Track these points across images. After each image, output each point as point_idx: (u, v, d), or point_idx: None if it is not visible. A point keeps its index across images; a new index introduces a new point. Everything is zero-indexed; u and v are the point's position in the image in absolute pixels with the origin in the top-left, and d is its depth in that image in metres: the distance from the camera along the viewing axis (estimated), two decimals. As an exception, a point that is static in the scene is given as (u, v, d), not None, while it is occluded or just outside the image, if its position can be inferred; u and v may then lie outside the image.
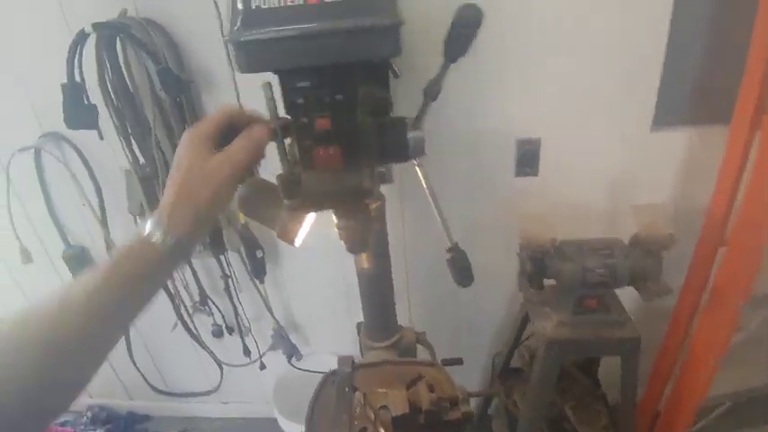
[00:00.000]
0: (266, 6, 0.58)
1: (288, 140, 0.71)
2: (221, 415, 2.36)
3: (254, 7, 0.59)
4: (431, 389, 1.14)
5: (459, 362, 1.51)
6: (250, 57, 0.61)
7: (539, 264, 1.29)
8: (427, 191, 0.83)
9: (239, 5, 0.59)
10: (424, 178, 0.83)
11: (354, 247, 0.83)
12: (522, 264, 1.38)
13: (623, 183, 1.54)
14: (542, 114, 1.42)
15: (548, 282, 1.37)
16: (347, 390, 1.21)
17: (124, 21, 1.31)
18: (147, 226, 0.54)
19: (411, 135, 0.76)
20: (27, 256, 1.68)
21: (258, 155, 0.62)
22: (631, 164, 1.50)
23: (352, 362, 1.28)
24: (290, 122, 0.67)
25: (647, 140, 1.46)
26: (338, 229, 0.83)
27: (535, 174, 1.52)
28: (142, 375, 2.02)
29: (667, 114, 1.42)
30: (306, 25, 0.58)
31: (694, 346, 1.52)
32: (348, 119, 0.63)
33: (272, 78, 0.71)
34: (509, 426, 1.77)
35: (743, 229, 1.28)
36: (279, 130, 0.69)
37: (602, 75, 1.36)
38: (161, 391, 2.13)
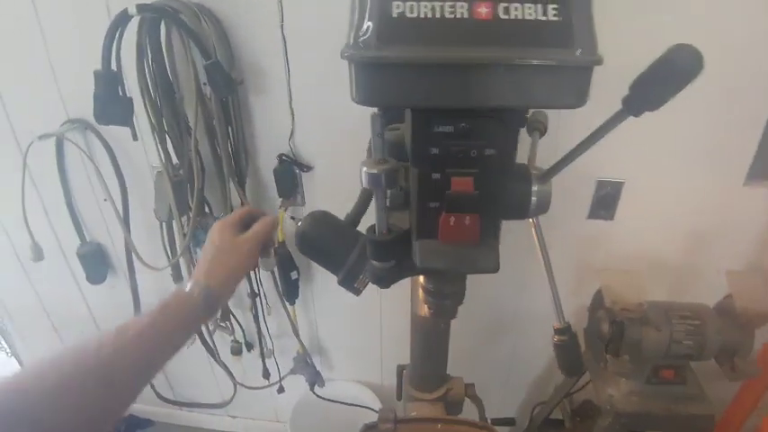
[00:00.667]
0: (413, 15, 0.40)
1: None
2: (227, 429, 2.21)
3: (395, 15, 0.41)
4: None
5: (511, 422, 1.35)
6: (379, 84, 0.43)
7: (619, 328, 1.12)
8: (541, 257, 0.67)
9: (371, 8, 0.42)
10: (539, 240, 0.67)
11: (447, 314, 0.67)
12: (595, 322, 1.22)
13: (705, 238, 1.37)
14: (629, 157, 1.26)
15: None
16: (389, 450, 1.06)
17: (173, 4, 1.16)
18: (187, 283, 0.67)
19: (536, 189, 0.60)
20: (38, 254, 1.53)
21: (270, 237, 0.80)
22: (716, 218, 1.34)
23: (395, 416, 1.13)
24: (403, 171, 0.51)
25: (737, 195, 1.30)
26: (429, 295, 0.67)
27: (610, 218, 1.35)
28: (150, 383, 1.87)
29: (764, 169, 1.26)
30: (470, 50, 0.41)
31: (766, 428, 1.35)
32: (495, 181, 0.47)
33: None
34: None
35: None
36: (384, 177, 0.53)
37: (701, 121, 1.20)
38: (167, 400, 1.99)
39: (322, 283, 1.62)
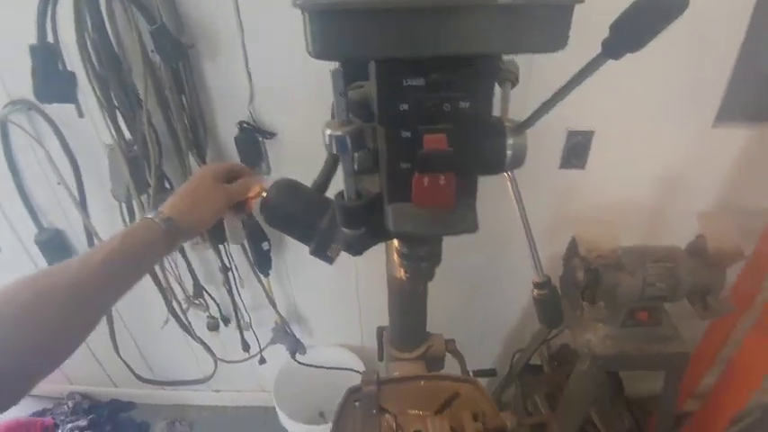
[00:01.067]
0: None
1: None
2: (213, 403, 2.21)
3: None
4: (474, 416, 1.00)
5: (492, 373, 1.37)
6: (338, 34, 0.39)
7: (595, 276, 1.13)
8: (518, 211, 0.65)
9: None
10: (515, 195, 0.65)
11: (424, 277, 0.65)
12: (570, 271, 1.23)
13: (676, 181, 1.39)
14: (599, 105, 1.24)
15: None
16: (374, 412, 1.06)
17: (109, -34, 1.07)
18: (152, 213, 0.69)
19: (511, 142, 0.58)
20: (-7, 245, 1.45)
21: (245, 198, 0.79)
22: (686, 161, 1.35)
23: (378, 377, 1.12)
24: (370, 131, 0.48)
25: (707, 137, 1.31)
26: (404, 259, 0.64)
27: (582, 167, 1.35)
28: (128, 366, 1.83)
29: (732, 110, 1.27)
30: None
31: (739, 359, 1.41)
32: (470, 136, 0.44)
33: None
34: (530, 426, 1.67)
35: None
36: (349, 139, 0.50)
37: (669, 66, 1.19)
38: (147, 380, 1.96)
39: (295, 252, 1.59)
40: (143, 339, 1.91)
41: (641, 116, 1.27)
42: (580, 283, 1.19)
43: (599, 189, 1.40)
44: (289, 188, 0.78)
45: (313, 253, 0.78)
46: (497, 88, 0.73)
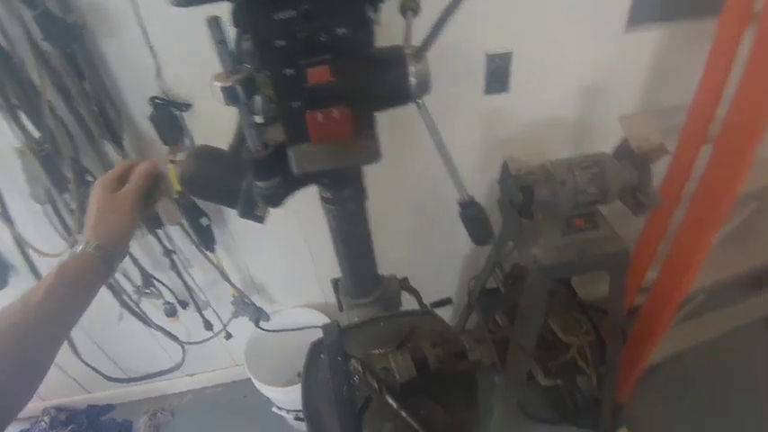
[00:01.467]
0: None
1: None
2: (190, 387, 2.21)
3: None
4: (433, 344, 1.04)
5: (448, 302, 1.42)
6: None
7: (528, 192, 1.17)
8: (433, 138, 0.66)
9: None
10: (428, 123, 0.65)
11: (355, 218, 0.66)
12: (506, 192, 1.26)
13: (596, 90, 1.43)
14: (513, 25, 1.25)
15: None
16: (340, 359, 1.08)
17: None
18: (79, 246, 0.69)
19: (413, 69, 0.58)
20: None
21: (150, 181, 0.79)
22: (603, 69, 1.39)
23: (338, 326, 1.15)
24: (261, 75, 0.47)
25: (621, 43, 1.34)
26: (330, 203, 0.65)
27: (505, 90, 1.37)
28: (94, 369, 1.80)
29: (643, 12, 1.29)
30: None
31: (676, 250, 1.50)
32: (356, 65, 0.43)
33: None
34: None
35: (732, 126, 1.20)
36: (240, 88, 0.49)
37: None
38: (119, 380, 1.94)
39: (237, 222, 1.56)
40: (104, 340, 1.87)
41: (555, 31, 1.28)
42: (516, 202, 1.23)
43: (525, 110, 1.42)
44: (204, 155, 0.76)
45: (242, 215, 0.78)
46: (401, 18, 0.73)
